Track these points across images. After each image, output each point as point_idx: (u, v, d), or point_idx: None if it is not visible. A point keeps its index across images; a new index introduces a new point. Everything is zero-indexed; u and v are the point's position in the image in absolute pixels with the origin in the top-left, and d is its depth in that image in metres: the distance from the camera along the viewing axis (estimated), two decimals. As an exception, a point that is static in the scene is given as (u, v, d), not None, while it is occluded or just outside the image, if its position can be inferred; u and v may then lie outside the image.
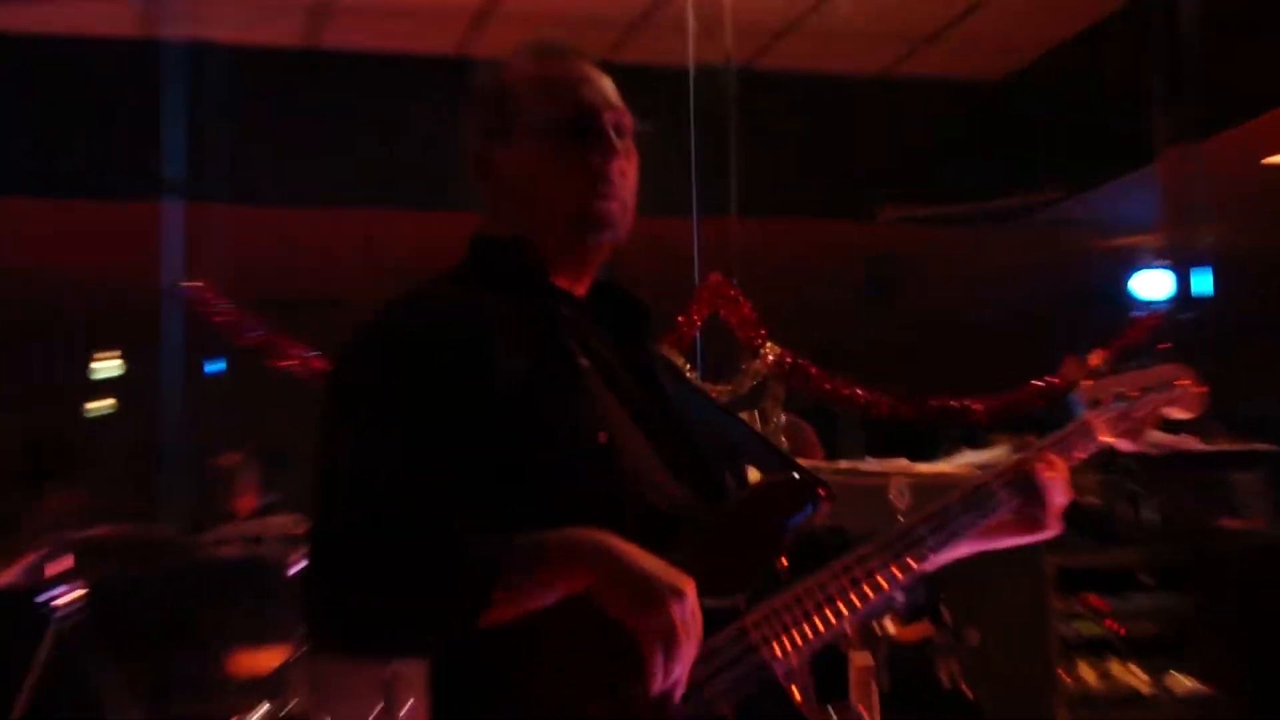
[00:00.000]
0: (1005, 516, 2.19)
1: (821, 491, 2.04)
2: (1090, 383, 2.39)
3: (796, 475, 2.07)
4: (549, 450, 1.87)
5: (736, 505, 2.03)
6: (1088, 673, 4.91)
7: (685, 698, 1.83)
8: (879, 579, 2.04)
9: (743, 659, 1.92)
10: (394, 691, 4.20)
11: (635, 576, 1.78)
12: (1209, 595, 5.12)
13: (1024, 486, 2.21)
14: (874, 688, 4.18)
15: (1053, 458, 2.25)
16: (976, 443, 5.68)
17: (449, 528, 1.77)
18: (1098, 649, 4.97)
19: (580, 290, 2.05)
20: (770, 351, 6.38)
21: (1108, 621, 5.02)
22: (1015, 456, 2.25)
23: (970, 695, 4.78)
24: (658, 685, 1.78)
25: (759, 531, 1.99)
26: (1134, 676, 4.97)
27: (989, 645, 4.85)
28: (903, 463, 5.52)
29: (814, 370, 6.41)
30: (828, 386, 6.43)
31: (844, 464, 5.51)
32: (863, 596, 2.02)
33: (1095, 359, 2.44)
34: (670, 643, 1.78)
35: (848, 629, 2.04)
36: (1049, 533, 2.23)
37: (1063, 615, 4.95)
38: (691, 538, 1.90)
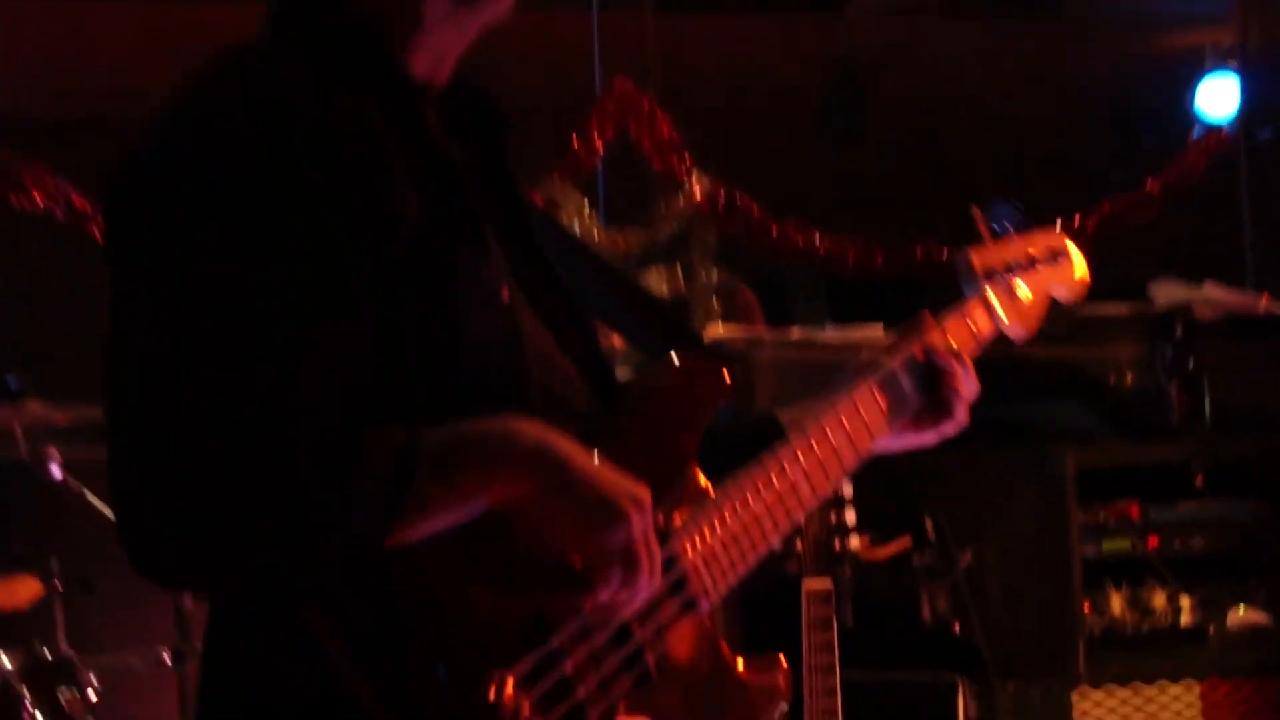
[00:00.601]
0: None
1: (727, 373, 2.17)
2: (978, 251, 2.63)
3: (709, 356, 2.19)
4: (440, 310, 1.90)
5: (638, 397, 2.13)
6: (1117, 602, 4.99)
7: (617, 640, 1.96)
8: (790, 484, 2.21)
9: (675, 593, 2.05)
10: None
11: (587, 484, 1.87)
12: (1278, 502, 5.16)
13: (923, 371, 2.41)
14: (833, 624, 4.25)
15: (954, 339, 2.47)
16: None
17: (327, 417, 1.78)
18: (1131, 572, 5.04)
19: (433, 88, 2.06)
20: (697, 185, 6.38)
21: (1146, 538, 5.09)
22: (909, 336, 2.46)
23: (958, 632, 4.92)
24: (609, 609, 1.89)
25: (667, 429, 2.13)
26: (1177, 607, 5.06)
27: (987, 568, 4.96)
28: (875, 331, 5.58)
29: (757, 211, 6.43)
30: (775, 233, 6.46)
31: (797, 334, 5.63)
32: (776, 506, 2.19)
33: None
34: (631, 567, 1.88)
35: (774, 545, 2.20)
36: (952, 429, 2.43)
37: (1086, 530, 5.00)
38: (590, 437, 1.96)
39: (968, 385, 2.43)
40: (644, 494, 1.90)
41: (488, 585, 1.89)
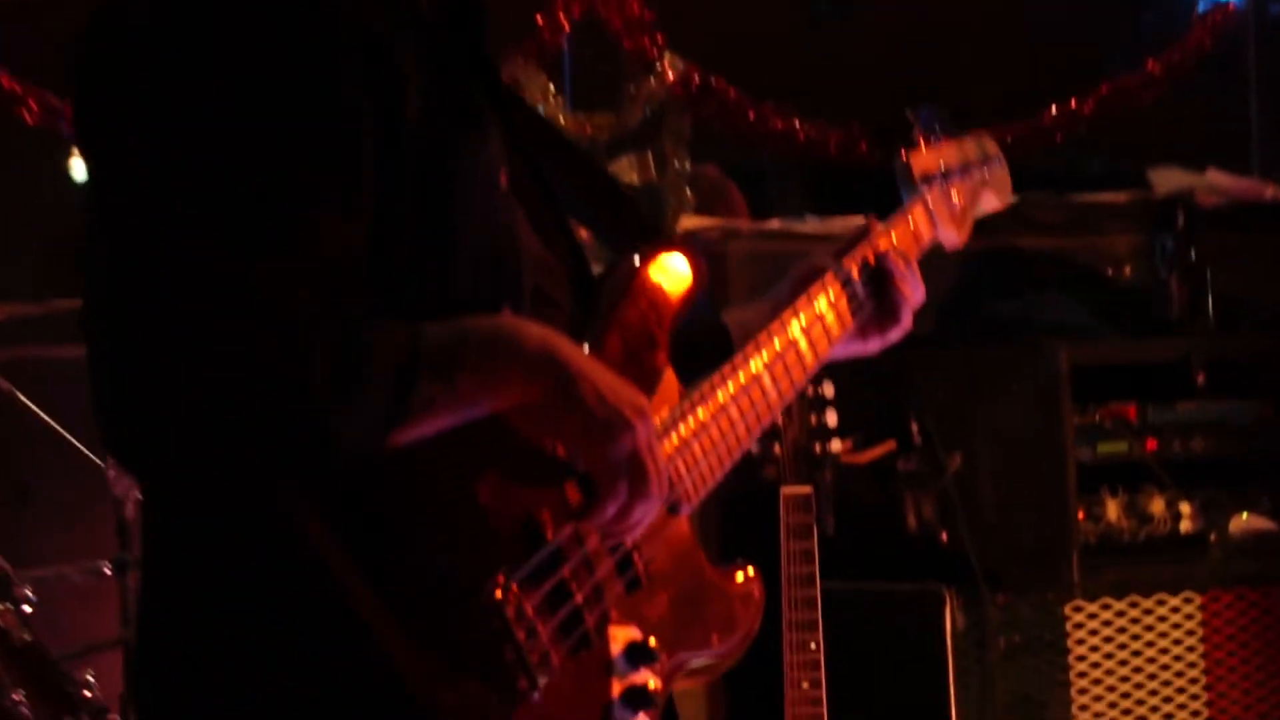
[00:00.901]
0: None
1: (697, 268, 2.24)
2: (915, 155, 2.74)
3: (679, 250, 2.25)
4: (442, 195, 1.92)
5: (611, 295, 2.19)
6: (1113, 509, 4.94)
7: (608, 544, 2.05)
8: (760, 389, 2.32)
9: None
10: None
11: (592, 393, 1.91)
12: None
13: (871, 274, 2.52)
14: (813, 532, 4.22)
15: (899, 243, 2.58)
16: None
17: (330, 304, 1.78)
18: (1128, 476, 4.98)
19: None
20: (670, 67, 6.28)
21: (1144, 440, 5.03)
22: (856, 239, 2.58)
23: (945, 541, 4.88)
24: (613, 529, 1.98)
25: (642, 328, 2.19)
26: (1177, 513, 5.01)
27: (975, 473, 4.91)
28: (859, 223, 5.49)
29: (733, 94, 6.33)
30: (753, 118, 6.37)
31: (776, 224, 5.55)
32: (750, 410, 2.30)
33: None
34: (639, 478, 1.94)
35: (746, 448, 2.30)
36: (896, 334, 2.55)
37: (1081, 432, 4.94)
38: (577, 337, 2.01)
39: (915, 289, 2.52)
40: (645, 403, 1.96)
41: (488, 486, 1.93)
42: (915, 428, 4.89)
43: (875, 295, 2.50)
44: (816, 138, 6.41)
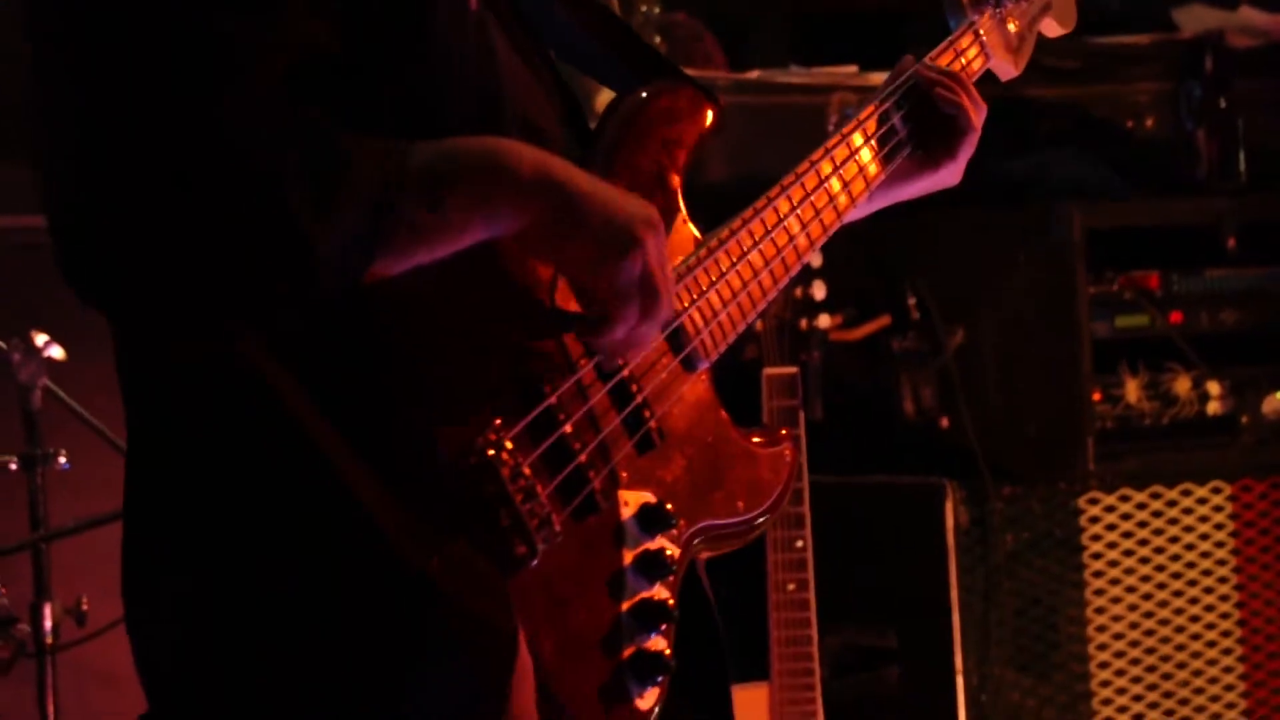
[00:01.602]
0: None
1: (711, 108, 2.29)
2: None
3: (688, 84, 2.29)
4: (411, 12, 1.96)
5: (616, 130, 2.23)
6: (1133, 389, 4.91)
7: (616, 398, 2.11)
8: (787, 234, 2.35)
9: (672, 350, 2.20)
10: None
11: (596, 208, 1.95)
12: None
13: (920, 108, 2.56)
14: (799, 417, 4.18)
15: (946, 70, 2.61)
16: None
17: (298, 105, 1.82)
18: (1149, 353, 4.96)
19: None
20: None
21: (1168, 312, 4.98)
22: (894, 78, 2.61)
23: (946, 427, 4.84)
24: (620, 351, 2.03)
25: (651, 166, 2.22)
26: (1202, 392, 4.97)
27: (979, 350, 4.88)
28: (849, 71, 5.44)
29: (706, -75, 6.21)
30: (729, -48, 6.26)
31: (757, 74, 5.45)
32: (775, 257, 2.33)
33: None
34: (650, 296, 1.99)
35: (770, 299, 2.34)
36: (954, 171, 2.59)
37: (1097, 304, 4.91)
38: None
39: (976, 107, 2.58)
40: (655, 215, 2.01)
41: (481, 334, 1.98)
42: (912, 301, 4.85)
43: (925, 126, 2.55)
44: (801, -29, 6.30)
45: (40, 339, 3.92)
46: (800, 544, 4.21)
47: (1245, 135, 5.13)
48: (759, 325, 4.26)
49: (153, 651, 1.99)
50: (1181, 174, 5.18)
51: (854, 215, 2.52)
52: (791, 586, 4.21)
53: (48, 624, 3.90)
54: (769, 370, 4.28)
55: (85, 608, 3.92)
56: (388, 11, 1.94)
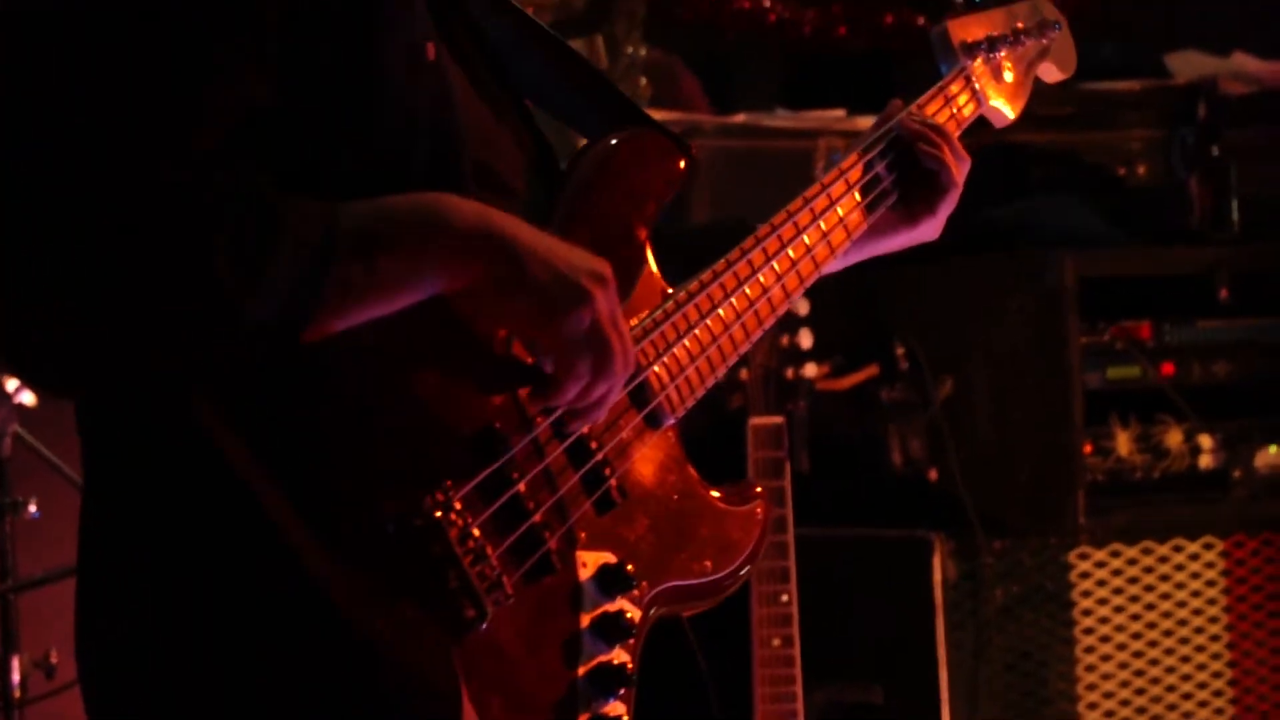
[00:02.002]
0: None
1: (682, 158, 2.28)
2: (956, 21, 2.73)
3: (660, 134, 2.28)
4: (357, 61, 1.95)
5: (583, 179, 2.21)
6: (1124, 441, 4.87)
7: (573, 457, 2.07)
8: (761, 286, 2.33)
9: (635, 405, 2.17)
10: None
11: (540, 263, 1.93)
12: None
13: (904, 159, 2.53)
14: (785, 468, 4.16)
15: (930, 123, 2.58)
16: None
17: (232, 174, 1.81)
18: (1141, 405, 4.92)
19: None
20: (621, -63, 6.15)
21: (1159, 364, 4.94)
22: (880, 124, 2.59)
23: (935, 479, 4.80)
24: (579, 409, 2.01)
25: (618, 216, 2.20)
26: (1194, 445, 4.93)
27: (970, 402, 4.85)
28: (836, 115, 5.43)
29: (694, -32, 6.22)
30: (718, -5, 6.28)
31: (743, 118, 5.43)
32: (747, 309, 2.31)
33: None
34: (601, 353, 1.97)
35: (742, 354, 2.34)
36: (934, 227, 2.57)
37: (1089, 354, 4.87)
38: (535, 221, 2.03)
39: (958, 163, 2.55)
40: (605, 268, 1.98)
41: (427, 387, 1.95)
42: (900, 351, 4.80)
43: (907, 179, 2.53)
44: (788, 20, 6.29)
45: (11, 384, 3.88)
46: (785, 598, 4.18)
47: (1238, 183, 5.09)
48: (744, 374, 4.26)
49: (101, 711, 1.97)
50: (1174, 222, 5.13)
51: (832, 268, 2.49)
52: (776, 642, 4.20)
53: (15, 677, 3.86)
54: (754, 420, 4.26)
55: (54, 660, 3.88)
56: (333, 61, 1.92)
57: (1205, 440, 4.90)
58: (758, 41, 6.55)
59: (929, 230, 2.58)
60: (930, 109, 2.62)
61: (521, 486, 2.00)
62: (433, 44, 2.04)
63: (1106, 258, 5.01)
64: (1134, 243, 5.13)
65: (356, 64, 1.95)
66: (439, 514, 1.91)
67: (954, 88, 2.67)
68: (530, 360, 2.03)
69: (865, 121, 5.16)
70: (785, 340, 4.31)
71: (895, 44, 6.19)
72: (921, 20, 6.17)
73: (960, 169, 2.55)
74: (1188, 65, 5.41)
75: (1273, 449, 4.96)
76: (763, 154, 5.21)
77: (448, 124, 2.05)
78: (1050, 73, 2.85)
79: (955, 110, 2.65)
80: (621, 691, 2.07)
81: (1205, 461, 4.91)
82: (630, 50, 5.88)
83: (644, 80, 5.77)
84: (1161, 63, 5.47)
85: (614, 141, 2.24)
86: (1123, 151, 5.32)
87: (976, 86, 2.69)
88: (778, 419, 4.25)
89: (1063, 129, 5.30)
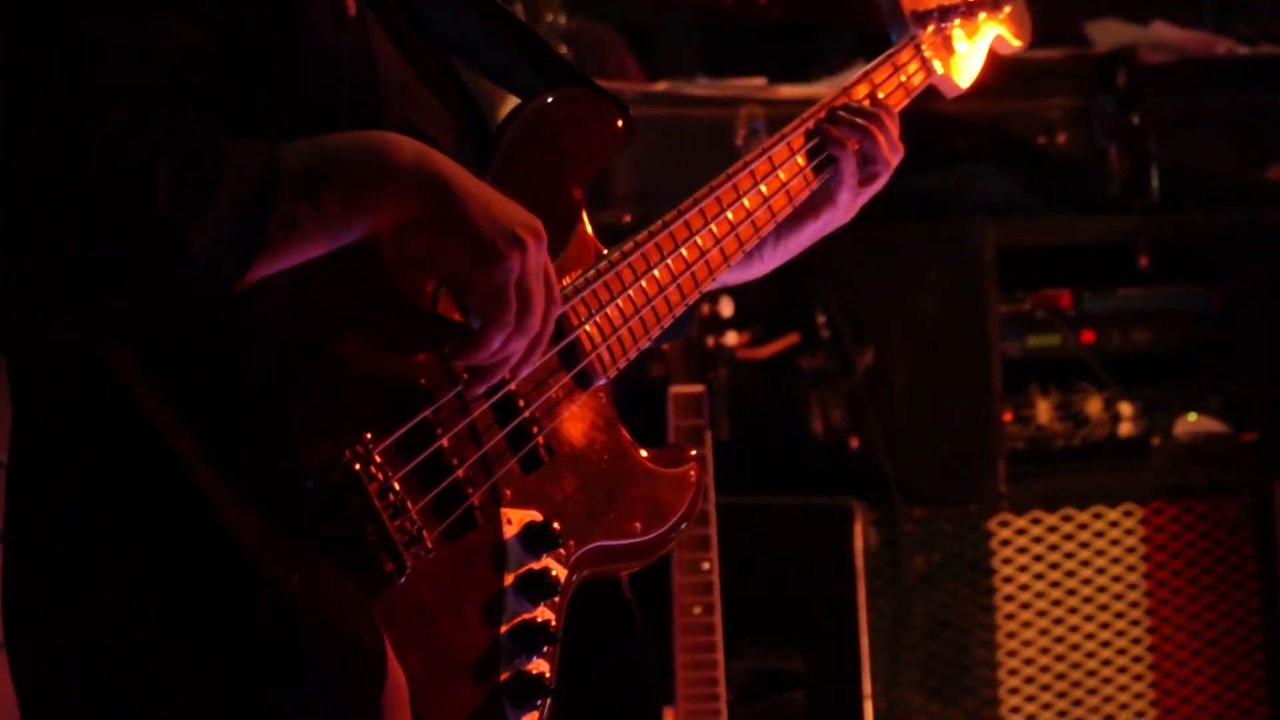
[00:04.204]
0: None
1: (621, 118, 2.29)
2: None
3: (597, 94, 2.28)
4: (276, 15, 1.96)
5: (516, 138, 2.21)
6: (1044, 410, 4.93)
7: (500, 413, 2.09)
8: (698, 249, 2.35)
9: (565, 366, 2.18)
10: None
11: (477, 208, 1.96)
12: (1241, 288, 5.12)
13: (841, 128, 2.53)
14: (706, 437, 4.17)
15: (881, 90, 2.60)
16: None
17: (170, 108, 1.83)
18: (1061, 373, 4.98)
19: None
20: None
21: (1079, 332, 4.99)
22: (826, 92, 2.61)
23: (855, 447, 4.82)
24: (494, 363, 2.01)
25: (552, 176, 2.22)
26: (1116, 415, 4.99)
27: (890, 369, 4.88)
28: (757, 83, 5.42)
29: (613, -66, 6.20)
30: (635, -39, 6.25)
31: (665, 85, 5.43)
32: (683, 272, 2.32)
33: None
34: (526, 305, 1.99)
35: (677, 317, 2.33)
36: (850, 209, 2.58)
37: (1008, 323, 4.92)
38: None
39: (892, 149, 2.56)
40: (538, 223, 2.00)
41: (350, 341, 1.96)
42: (821, 319, 4.83)
43: (844, 152, 2.53)
44: (708, -15, 6.28)
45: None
46: (706, 566, 4.18)
47: (1158, 152, 5.15)
48: (664, 344, 4.26)
49: (23, 669, 1.98)
50: (1094, 191, 5.20)
51: (765, 263, 2.54)
52: (697, 610, 4.19)
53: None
54: (675, 389, 4.25)
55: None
56: (258, 14, 1.94)
57: (1125, 408, 4.96)
58: (679, 10, 6.54)
59: (844, 214, 2.58)
60: (878, 76, 2.62)
61: (444, 442, 2.01)
62: (354, 1, 2.05)
63: (1026, 226, 5.05)
64: (1054, 211, 5.18)
65: (279, 17, 1.97)
66: (358, 466, 1.91)
67: (903, 56, 2.67)
68: (458, 318, 2.03)
69: (787, 90, 5.17)
70: (706, 309, 4.31)
71: (820, 12, 6.18)
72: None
73: (894, 159, 2.57)
74: (1107, 34, 5.39)
75: (1192, 416, 5.01)
76: (684, 122, 5.20)
77: (369, 78, 2.06)
78: (1005, 44, 2.85)
79: (905, 79, 2.65)
80: (545, 649, 2.08)
81: (1125, 429, 4.96)
82: (550, 18, 5.85)
83: (564, 49, 5.75)
84: (1081, 31, 5.47)
85: (550, 100, 2.24)
86: (1043, 120, 5.31)
87: (926, 55, 2.69)
88: (699, 387, 4.26)
89: (983, 98, 5.27)
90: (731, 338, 4.36)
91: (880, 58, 2.65)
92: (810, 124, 2.52)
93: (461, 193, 1.96)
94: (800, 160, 2.49)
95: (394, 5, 2.18)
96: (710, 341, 4.31)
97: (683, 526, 2.29)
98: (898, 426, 4.86)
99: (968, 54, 2.77)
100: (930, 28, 2.71)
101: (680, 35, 7.03)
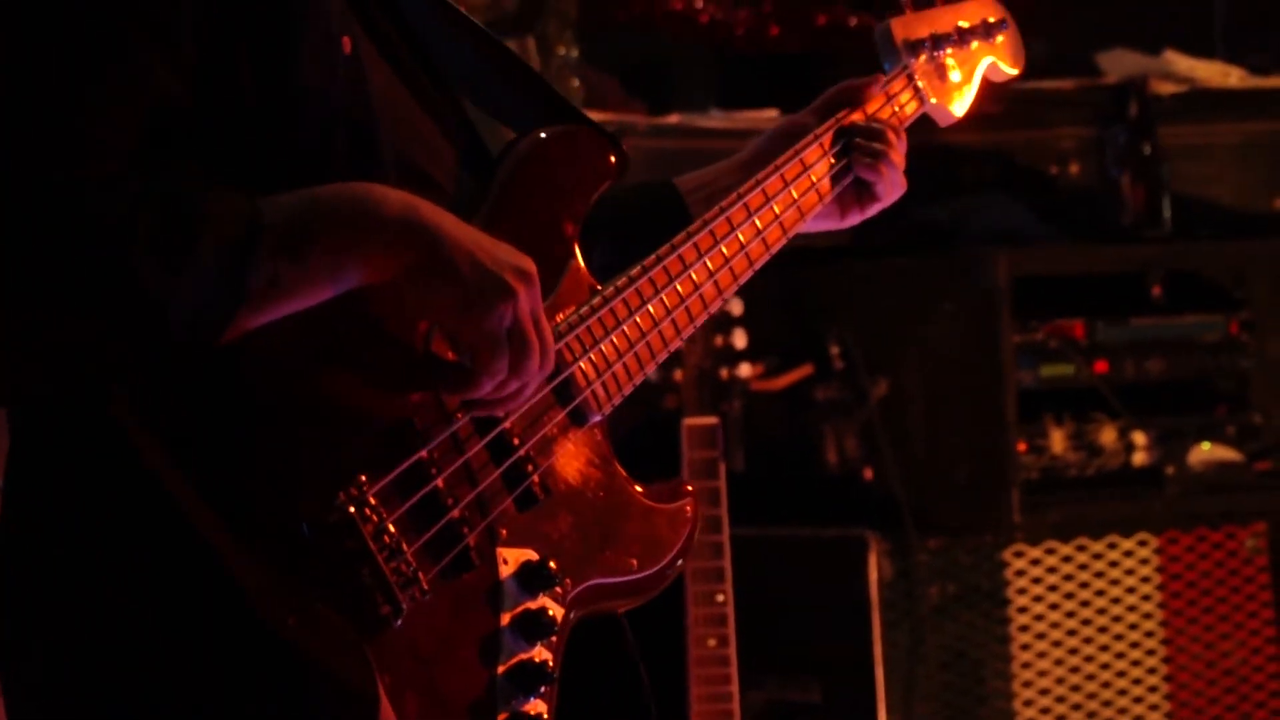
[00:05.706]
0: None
1: (613, 154, 2.29)
2: (899, 20, 2.73)
3: (592, 130, 2.29)
4: (268, 55, 1.96)
5: (510, 174, 2.21)
6: (1058, 439, 4.93)
7: (495, 452, 2.08)
8: (692, 282, 2.33)
9: (560, 403, 2.17)
10: None
11: (464, 256, 1.94)
12: (1254, 317, 5.13)
13: (846, 145, 2.55)
14: (720, 469, 4.17)
15: (874, 116, 2.61)
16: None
17: (146, 163, 1.83)
18: (1075, 403, 4.98)
19: None
20: (553, -63, 6.14)
21: (1093, 361, 5.00)
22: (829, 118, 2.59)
23: (870, 479, 4.83)
24: (486, 401, 2.01)
25: (546, 212, 2.21)
26: (1128, 443, 4.98)
27: (904, 401, 4.88)
28: (770, 115, 5.43)
29: (626, -31, 6.22)
30: (649, -3, 6.26)
31: (676, 119, 5.45)
32: (678, 306, 2.31)
33: None
34: (519, 350, 1.98)
35: (675, 349, 2.34)
36: (874, 210, 2.59)
37: (1022, 352, 4.92)
38: (460, 215, 2.04)
39: (889, 170, 2.55)
40: (529, 265, 1.99)
41: (344, 383, 1.96)
42: (835, 350, 4.83)
43: (848, 169, 2.55)
44: (721, 20, 6.29)
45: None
46: (721, 598, 4.18)
47: (1170, 182, 5.15)
48: (678, 375, 4.26)
49: (20, 707, 1.97)
50: (1106, 221, 5.19)
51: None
52: (712, 642, 4.19)
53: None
54: (689, 421, 4.25)
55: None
56: (249, 59, 1.94)
57: (1139, 437, 4.96)
58: (691, 42, 6.56)
59: (873, 211, 2.60)
60: (871, 106, 2.61)
61: (439, 482, 2.01)
62: (349, 38, 2.04)
63: (1039, 256, 5.06)
64: (1067, 241, 5.18)
65: (271, 61, 1.96)
66: (353, 509, 1.91)
67: (895, 85, 2.67)
68: (451, 356, 2.03)
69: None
70: (719, 340, 4.30)
71: (828, 44, 6.20)
72: (854, 21, 6.20)
73: (900, 157, 2.57)
74: (1119, 64, 5.40)
75: (1206, 446, 5.00)
76: (697, 154, 5.20)
77: (365, 116, 2.05)
78: (997, 72, 2.84)
79: (897, 108, 2.65)
80: (542, 690, 2.07)
81: (1139, 458, 4.96)
82: (563, 51, 5.88)
83: (576, 82, 5.77)
84: (1092, 61, 5.49)
85: (543, 135, 2.24)
86: (1055, 150, 5.31)
87: (919, 85, 2.68)
88: (712, 419, 4.25)
89: (994, 128, 5.25)
90: (745, 369, 4.34)
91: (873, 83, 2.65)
92: (821, 137, 2.52)
93: (451, 243, 1.94)
94: (814, 175, 2.49)
95: (399, 42, 2.17)
96: (724, 373, 4.29)
97: (679, 563, 2.28)
98: (912, 457, 4.85)
99: (961, 83, 2.76)
100: (923, 57, 2.71)
101: (693, 68, 7.06)
